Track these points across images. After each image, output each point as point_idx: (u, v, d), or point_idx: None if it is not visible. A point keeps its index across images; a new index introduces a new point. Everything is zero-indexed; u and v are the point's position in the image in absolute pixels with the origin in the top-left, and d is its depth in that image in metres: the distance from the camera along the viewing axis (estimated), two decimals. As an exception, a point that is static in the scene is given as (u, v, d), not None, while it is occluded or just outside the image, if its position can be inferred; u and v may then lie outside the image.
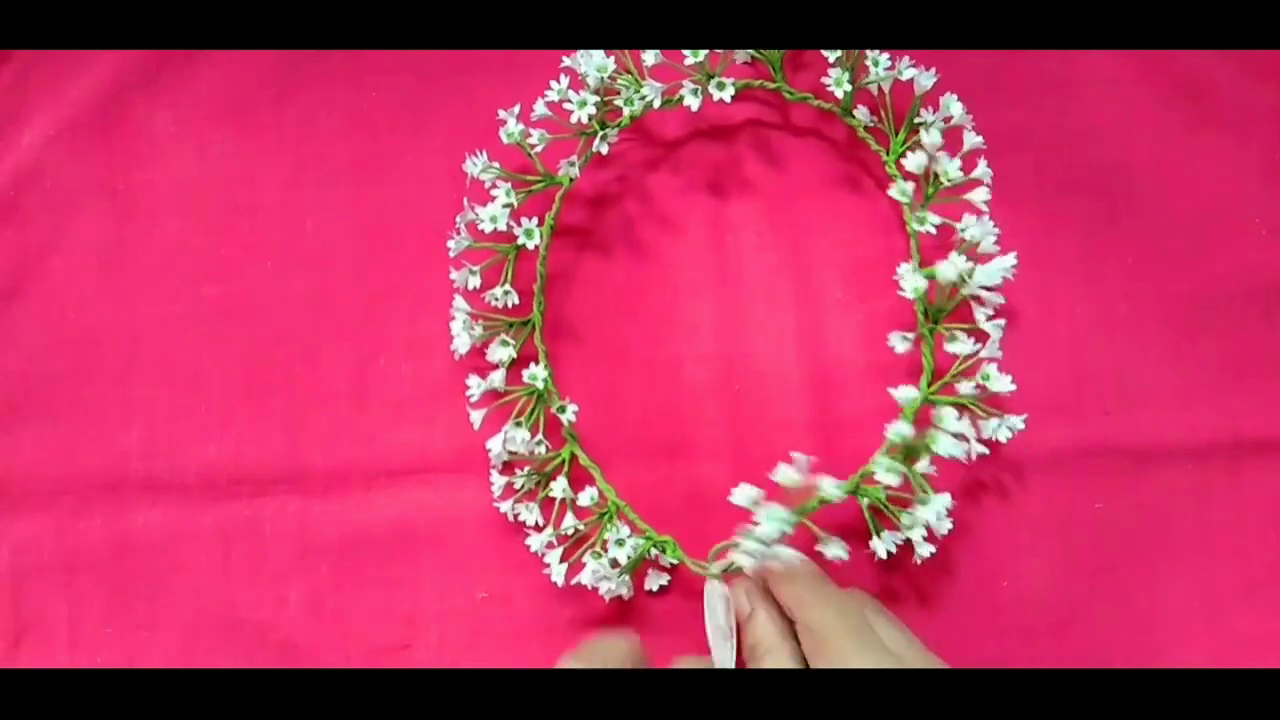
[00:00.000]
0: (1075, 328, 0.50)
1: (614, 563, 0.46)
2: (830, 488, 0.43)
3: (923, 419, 0.46)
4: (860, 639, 0.40)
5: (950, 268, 0.45)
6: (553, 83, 0.47)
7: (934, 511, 0.44)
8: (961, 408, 0.46)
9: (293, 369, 0.50)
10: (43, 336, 0.50)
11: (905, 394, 0.45)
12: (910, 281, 0.45)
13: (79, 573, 0.49)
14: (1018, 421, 0.46)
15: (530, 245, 0.48)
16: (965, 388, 0.46)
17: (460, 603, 0.49)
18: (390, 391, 0.50)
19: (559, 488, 0.47)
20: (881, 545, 0.45)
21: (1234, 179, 0.51)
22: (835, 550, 0.44)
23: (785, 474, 0.43)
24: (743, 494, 0.43)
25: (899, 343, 0.46)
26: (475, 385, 0.47)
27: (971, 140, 0.48)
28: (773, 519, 0.42)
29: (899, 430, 0.44)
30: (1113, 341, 0.50)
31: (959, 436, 0.44)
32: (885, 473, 0.44)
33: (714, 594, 0.45)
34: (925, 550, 0.45)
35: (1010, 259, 0.46)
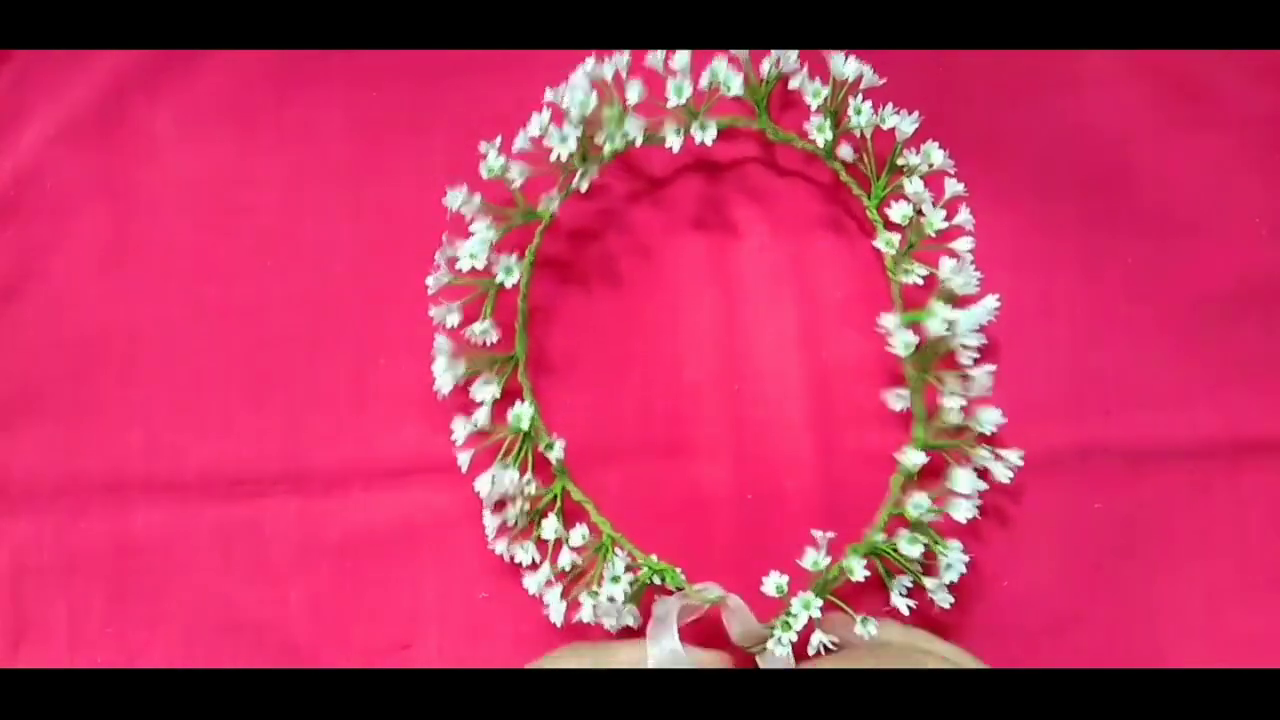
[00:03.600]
0: (1075, 328, 0.50)
1: (612, 598, 0.45)
2: (858, 568, 0.45)
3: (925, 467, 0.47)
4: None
5: (937, 322, 0.45)
6: (534, 115, 0.46)
7: (955, 571, 0.46)
8: (963, 457, 0.47)
9: (293, 369, 0.50)
10: (43, 336, 0.50)
11: (911, 459, 0.46)
12: (900, 339, 0.46)
13: (79, 573, 0.49)
14: (1015, 458, 0.47)
15: (509, 283, 0.46)
16: (955, 417, 0.46)
17: (460, 603, 0.49)
18: (390, 391, 0.50)
19: (550, 527, 0.46)
20: (902, 601, 0.46)
21: (1234, 179, 0.51)
22: (870, 629, 0.44)
23: (811, 560, 0.44)
24: (771, 583, 0.44)
25: (895, 401, 0.47)
26: (460, 427, 0.46)
27: (953, 187, 0.47)
28: (805, 606, 0.44)
29: (907, 466, 0.46)
30: (1113, 341, 0.50)
31: (968, 495, 0.46)
32: (908, 545, 0.45)
33: (672, 611, 0.45)
34: (945, 602, 0.46)
35: (992, 302, 0.46)
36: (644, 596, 0.47)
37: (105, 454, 0.49)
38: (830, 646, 0.44)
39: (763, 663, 0.45)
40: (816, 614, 0.44)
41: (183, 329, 0.50)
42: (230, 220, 0.51)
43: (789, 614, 0.44)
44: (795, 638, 0.44)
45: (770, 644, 0.44)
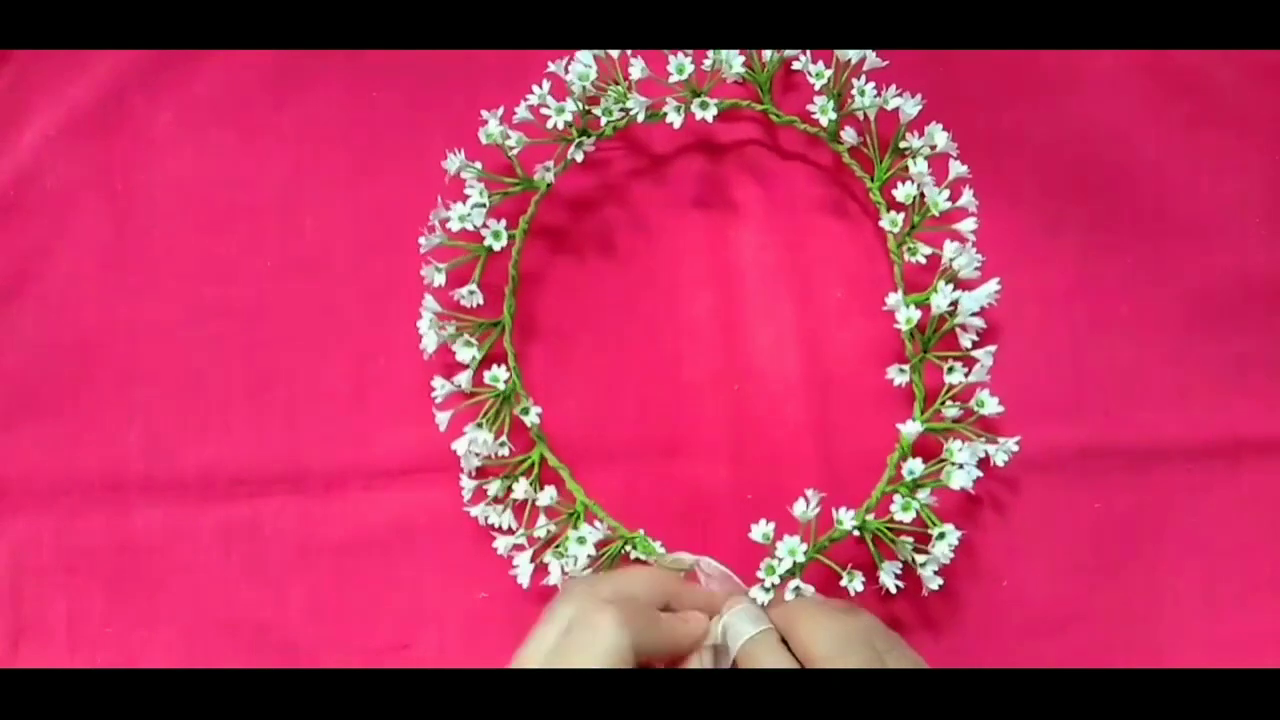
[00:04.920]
0: (1075, 328, 0.50)
1: (576, 560, 0.45)
2: (847, 520, 0.45)
3: (920, 446, 0.47)
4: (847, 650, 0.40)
5: (941, 298, 0.46)
6: (535, 87, 0.47)
7: (946, 547, 0.45)
8: (961, 436, 0.46)
9: (293, 369, 0.50)
10: (43, 336, 0.50)
11: (909, 429, 0.46)
12: (903, 314, 0.46)
13: (79, 573, 0.49)
14: (1012, 444, 0.47)
15: (497, 247, 0.47)
16: (953, 411, 0.46)
17: (460, 603, 0.49)
18: (390, 391, 0.50)
19: (521, 488, 0.47)
20: (890, 579, 0.45)
21: (1234, 179, 0.51)
22: (856, 584, 0.45)
23: (800, 509, 0.44)
24: (759, 530, 0.44)
25: (896, 375, 0.47)
26: (440, 386, 0.47)
27: (957, 169, 0.48)
28: (790, 552, 0.44)
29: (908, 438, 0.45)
30: (1113, 341, 0.50)
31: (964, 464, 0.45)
32: (901, 511, 0.44)
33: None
34: (934, 584, 0.45)
35: (993, 285, 0.46)
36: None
37: (105, 454, 0.49)
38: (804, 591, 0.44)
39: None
40: (801, 559, 0.44)
41: (183, 329, 0.50)
42: (230, 220, 0.51)
43: (774, 558, 0.44)
44: (778, 580, 0.44)
45: (753, 590, 0.44)
